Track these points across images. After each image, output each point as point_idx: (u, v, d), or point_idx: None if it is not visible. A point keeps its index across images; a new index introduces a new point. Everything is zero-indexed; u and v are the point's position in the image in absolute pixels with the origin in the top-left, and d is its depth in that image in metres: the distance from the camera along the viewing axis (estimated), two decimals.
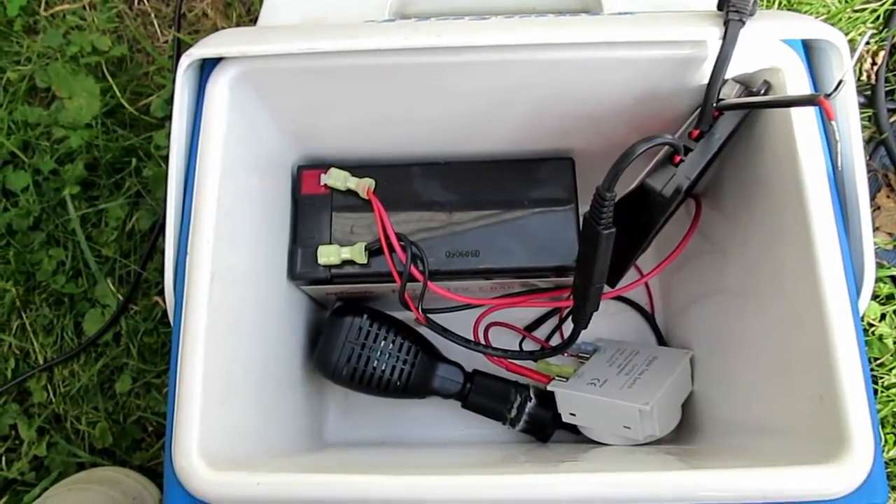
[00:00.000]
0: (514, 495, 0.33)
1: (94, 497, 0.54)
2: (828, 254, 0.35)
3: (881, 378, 0.57)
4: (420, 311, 0.46)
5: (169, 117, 0.63)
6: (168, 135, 0.61)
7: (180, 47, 0.65)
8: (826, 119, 0.33)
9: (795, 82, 0.38)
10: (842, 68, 0.37)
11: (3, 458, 0.60)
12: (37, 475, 0.59)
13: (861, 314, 0.36)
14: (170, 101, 0.64)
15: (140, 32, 0.67)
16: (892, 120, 0.62)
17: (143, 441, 0.60)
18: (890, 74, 0.63)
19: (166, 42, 0.67)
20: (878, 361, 0.57)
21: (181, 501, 0.34)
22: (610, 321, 0.55)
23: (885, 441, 0.56)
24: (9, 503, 0.59)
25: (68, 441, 0.59)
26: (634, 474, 0.33)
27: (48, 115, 0.64)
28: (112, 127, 0.64)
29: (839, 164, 0.33)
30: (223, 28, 0.65)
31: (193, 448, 0.34)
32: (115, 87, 0.64)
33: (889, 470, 0.56)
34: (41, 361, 0.61)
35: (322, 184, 0.47)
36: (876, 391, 0.57)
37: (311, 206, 0.47)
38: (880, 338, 0.58)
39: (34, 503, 0.55)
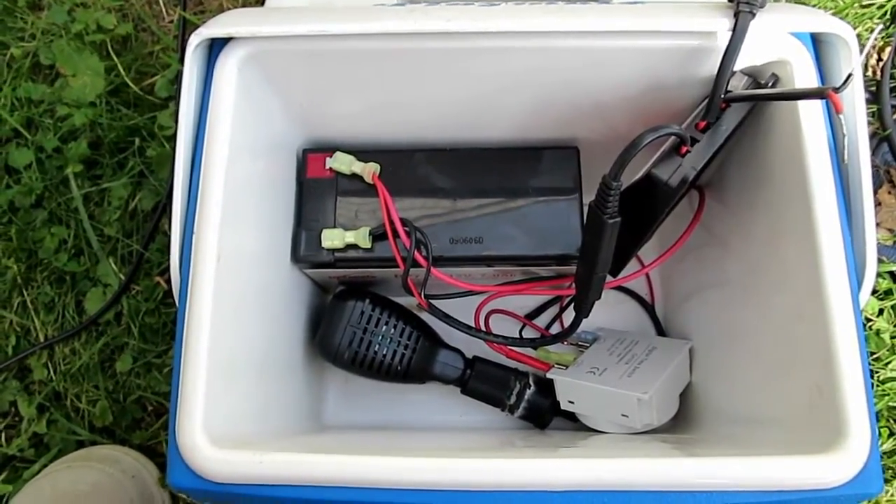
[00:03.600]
0: (511, 479, 0.34)
1: (94, 474, 0.54)
2: (831, 248, 0.35)
3: (877, 373, 0.57)
4: (423, 296, 0.46)
5: (174, 97, 0.63)
6: (174, 115, 0.61)
7: (186, 27, 0.65)
8: (834, 112, 0.33)
9: (803, 75, 0.38)
10: (850, 62, 0.37)
11: (3, 435, 0.60)
12: (36, 452, 0.60)
13: (861, 307, 0.36)
14: (174, 80, 0.63)
15: (145, 11, 0.66)
16: (895, 116, 0.62)
17: (142, 420, 0.60)
18: (895, 70, 0.63)
19: (171, 21, 0.67)
20: (875, 356, 0.58)
21: (184, 478, 0.34)
22: (610, 311, 0.55)
23: (880, 434, 0.57)
24: (8, 479, 0.59)
25: (68, 419, 0.60)
26: (630, 460, 0.33)
27: (52, 92, 0.64)
28: (116, 106, 0.64)
29: (845, 158, 0.33)
30: (229, 8, 0.65)
31: (197, 426, 0.35)
32: (119, 65, 0.64)
33: (883, 463, 0.57)
34: (42, 339, 0.61)
35: (327, 167, 0.47)
36: (873, 385, 0.57)
37: (315, 189, 0.47)
38: (878, 333, 0.58)
39: (33, 479, 0.55)
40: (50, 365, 0.61)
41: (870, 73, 0.63)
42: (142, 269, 0.61)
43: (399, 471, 0.34)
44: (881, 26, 0.61)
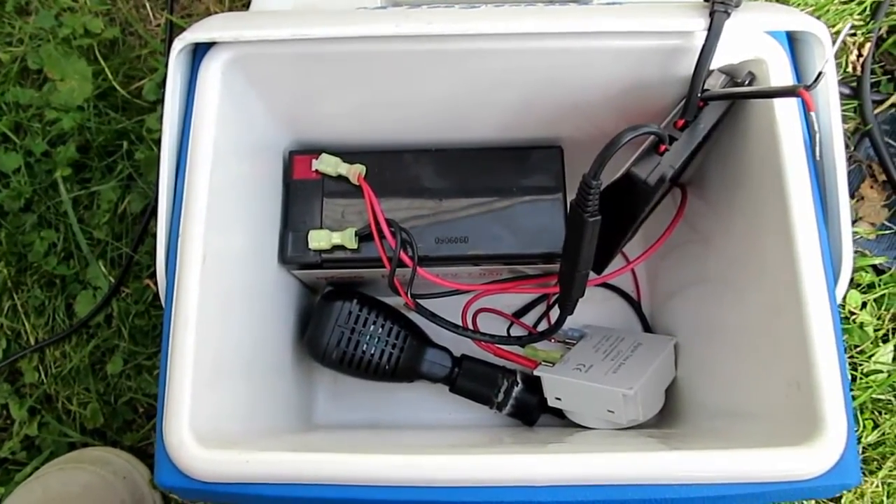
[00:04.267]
0: (499, 475, 0.34)
1: (85, 476, 0.55)
2: (806, 243, 0.35)
3: (860, 365, 0.58)
4: (409, 296, 0.46)
5: (161, 101, 0.64)
6: (160, 118, 0.61)
7: (173, 30, 0.65)
8: (806, 110, 0.34)
9: (779, 73, 0.38)
10: (824, 60, 0.37)
11: None
12: (28, 454, 0.60)
13: (839, 302, 0.36)
14: (162, 84, 0.64)
15: (132, 15, 0.67)
16: (876, 111, 0.62)
17: (133, 422, 0.60)
18: (875, 66, 0.63)
19: (159, 25, 0.67)
20: (859, 349, 0.58)
21: (171, 478, 0.35)
22: (596, 308, 0.55)
23: (864, 427, 0.57)
24: (0, 482, 0.59)
25: (59, 421, 0.60)
26: (614, 455, 0.34)
27: (40, 96, 0.64)
28: (104, 109, 0.64)
29: (818, 154, 0.34)
30: (216, 12, 0.65)
31: (184, 426, 0.35)
32: (107, 69, 0.64)
33: (867, 455, 0.57)
34: (33, 342, 0.62)
35: (313, 169, 0.48)
36: (856, 378, 0.58)
37: (302, 191, 0.48)
38: (861, 326, 0.59)
39: (25, 482, 0.56)
40: (41, 368, 0.61)
41: (850, 68, 0.63)
42: (131, 272, 0.62)
43: (386, 468, 0.34)
44: (851, 24, 0.62)
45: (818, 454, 0.33)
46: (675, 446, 0.41)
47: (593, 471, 0.34)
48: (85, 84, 0.64)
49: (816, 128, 0.32)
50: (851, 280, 0.38)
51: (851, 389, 0.51)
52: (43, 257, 0.62)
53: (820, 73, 0.31)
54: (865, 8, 0.63)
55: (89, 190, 0.63)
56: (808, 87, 0.31)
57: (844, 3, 0.63)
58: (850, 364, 0.58)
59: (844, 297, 0.49)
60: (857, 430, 0.42)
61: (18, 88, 0.65)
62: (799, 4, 0.64)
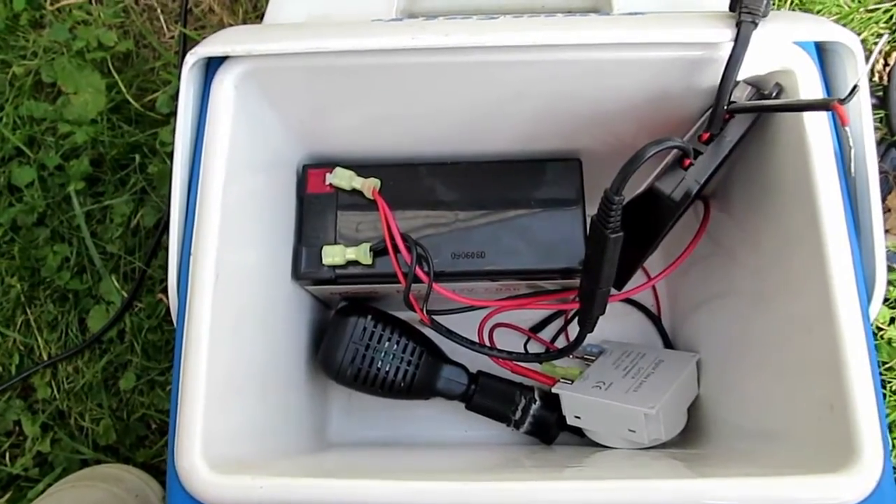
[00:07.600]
0: (518, 502, 0.33)
1: (98, 494, 0.54)
2: (839, 260, 0.34)
3: (890, 383, 0.57)
4: (425, 312, 0.45)
5: (174, 114, 0.63)
6: (173, 131, 0.61)
7: (186, 43, 0.65)
8: (840, 124, 0.33)
9: (808, 85, 0.37)
10: (856, 71, 0.36)
11: (7, 454, 0.60)
12: (40, 471, 0.59)
13: (871, 320, 0.35)
14: (175, 97, 0.63)
15: (146, 28, 0.66)
16: None
17: (146, 438, 0.60)
18: None
19: (172, 38, 0.67)
20: (887, 366, 0.57)
21: (183, 503, 0.34)
22: (616, 323, 0.54)
23: (894, 446, 0.56)
24: (12, 499, 0.59)
25: (72, 437, 0.59)
26: (638, 482, 0.33)
27: (54, 110, 0.64)
28: (117, 123, 0.64)
29: (852, 169, 0.32)
30: (230, 24, 0.65)
31: (196, 450, 0.34)
32: (120, 82, 0.64)
33: None
34: (45, 358, 0.61)
35: (327, 183, 0.47)
36: (885, 396, 0.56)
37: (316, 205, 0.47)
38: (889, 342, 0.57)
39: (38, 499, 0.55)
40: (53, 383, 0.61)
41: (876, 78, 0.62)
42: (144, 287, 0.61)
43: (402, 494, 0.33)
44: (887, 35, 0.60)
45: (854, 482, 0.31)
46: (701, 470, 0.40)
47: (617, 497, 0.33)
48: (98, 97, 0.63)
49: (851, 143, 0.31)
50: None
51: None
52: (56, 272, 0.61)
53: (855, 87, 0.30)
54: (892, 16, 0.62)
55: (102, 204, 0.63)
56: (842, 101, 0.30)
57: (870, 11, 0.62)
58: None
59: None
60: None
61: (32, 102, 0.65)
62: (821, 12, 0.62)
